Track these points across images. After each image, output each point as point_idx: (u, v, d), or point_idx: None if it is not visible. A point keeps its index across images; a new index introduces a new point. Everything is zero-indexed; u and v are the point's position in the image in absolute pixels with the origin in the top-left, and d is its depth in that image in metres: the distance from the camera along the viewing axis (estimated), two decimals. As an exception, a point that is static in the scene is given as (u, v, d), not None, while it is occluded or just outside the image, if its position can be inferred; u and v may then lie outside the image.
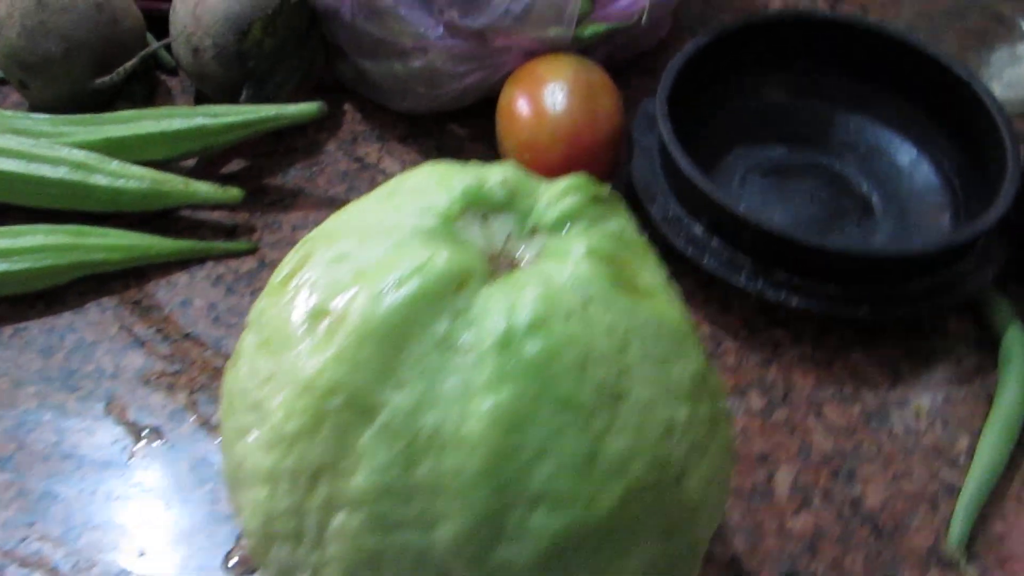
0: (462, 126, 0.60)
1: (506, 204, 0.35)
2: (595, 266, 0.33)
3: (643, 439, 0.31)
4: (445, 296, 0.32)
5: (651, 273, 0.35)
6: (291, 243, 0.54)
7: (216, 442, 0.47)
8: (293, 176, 0.58)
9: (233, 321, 0.51)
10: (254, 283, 0.53)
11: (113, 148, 0.54)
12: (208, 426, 0.47)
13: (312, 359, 0.32)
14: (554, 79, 0.53)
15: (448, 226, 0.34)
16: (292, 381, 0.32)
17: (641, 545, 0.32)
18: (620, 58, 0.61)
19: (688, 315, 0.35)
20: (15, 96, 0.60)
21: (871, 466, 0.47)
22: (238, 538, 0.44)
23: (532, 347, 0.31)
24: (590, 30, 0.54)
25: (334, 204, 0.56)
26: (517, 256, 0.34)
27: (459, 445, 0.30)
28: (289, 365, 0.33)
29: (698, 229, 0.51)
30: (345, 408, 0.31)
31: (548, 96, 0.52)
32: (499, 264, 0.34)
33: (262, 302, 0.35)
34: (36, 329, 0.51)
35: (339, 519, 0.32)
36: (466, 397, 0.31)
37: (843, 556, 0.44)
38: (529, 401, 0.30)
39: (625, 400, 0.31)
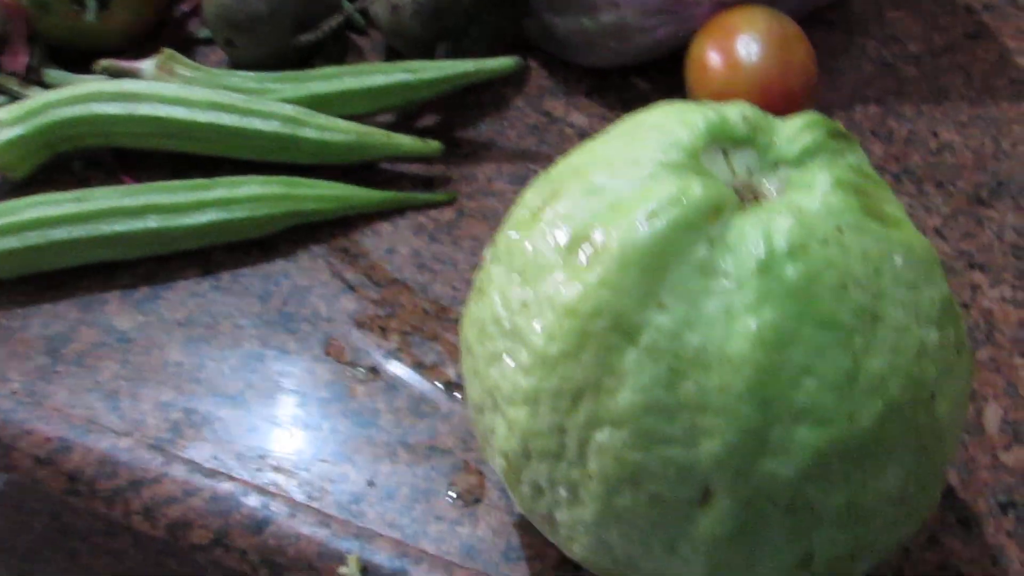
0: (647, 80, 0.61)
1: (747, 139, 0.36)
2: (844, 195, 0.34)
3: (899, 359, 0.32)
4: (702, 224, 0.33)
5: (893, 204, 0.36)
6: (488, 193, 0.56)
7: (433, 383, 0.49)
8: (484, 130, 0.59)
9: (438, 268, 0.53)
10: (454, 232, 0.55)
11: (317, 104, 0.57)
12: (422, 367, 0.50)
13: (574, 285, 0.34)
14: (747, 30, 0.54)
15: (695, 159, 0.35)
16: (552, 306, 0.34)
17: (896, 462, 0.33)
18: (805, 10, 0.61)
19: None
20: (216, 55, 0.63)
21: (1078, 406, 0.47)
22: (458, 469, 0.46)
23: (793, 270, 0.32)
24: (783, -20, 0.55)
25: (526, 156, 0.58)
26: (762, 188, 0.35)
27: (723, 363, 0.32)
28: (549, 292, 0.34)
29: None
30: (609, 329, 0.33)
31: (742, 47, 0.53)
32: (745, 196, 0.35)
33: (512, 236, 0.37)
34: (253, 275, 0.54)
35: (602, 436, 0.33)
36: (729, 318, 0.32)
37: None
38: (792, 322, 0.32)
39: (882, 321, 0.32)
